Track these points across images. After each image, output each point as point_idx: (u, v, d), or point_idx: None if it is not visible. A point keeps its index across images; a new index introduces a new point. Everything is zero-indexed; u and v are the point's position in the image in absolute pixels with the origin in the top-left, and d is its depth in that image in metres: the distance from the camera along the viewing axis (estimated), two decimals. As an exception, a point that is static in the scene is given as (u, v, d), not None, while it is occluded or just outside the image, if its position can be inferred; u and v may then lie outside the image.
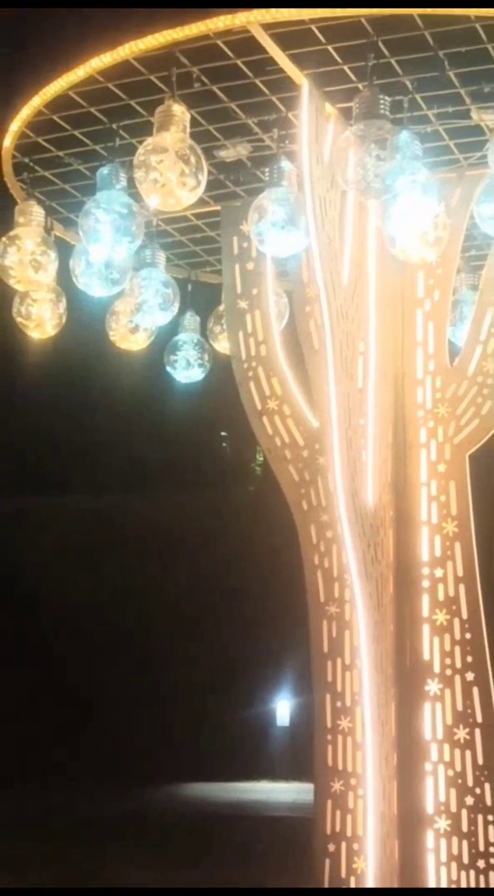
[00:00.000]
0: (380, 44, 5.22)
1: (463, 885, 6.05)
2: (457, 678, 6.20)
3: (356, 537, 5.89)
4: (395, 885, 6.07)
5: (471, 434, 6.36)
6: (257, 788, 13.12)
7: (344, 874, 6.22)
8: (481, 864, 6.04)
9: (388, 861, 6.04)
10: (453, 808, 6.12)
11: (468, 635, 6.22)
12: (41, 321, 6.57)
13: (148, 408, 14.40)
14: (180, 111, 5.33)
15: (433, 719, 6.21)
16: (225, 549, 14.15)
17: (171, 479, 15.66)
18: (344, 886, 6.19)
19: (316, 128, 5.67)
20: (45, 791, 12.14)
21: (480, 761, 6.10)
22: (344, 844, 6.23)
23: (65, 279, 6.33)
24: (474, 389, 6.35)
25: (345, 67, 5.48)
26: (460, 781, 6.12)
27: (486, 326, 6.37)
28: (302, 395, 6.52)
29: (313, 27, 5.18)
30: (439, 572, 6.32)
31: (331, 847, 6.26)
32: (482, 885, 6.02)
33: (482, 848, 6.05)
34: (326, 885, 6.25)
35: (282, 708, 14.07)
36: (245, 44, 5.26)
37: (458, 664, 6.21)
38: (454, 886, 6.06)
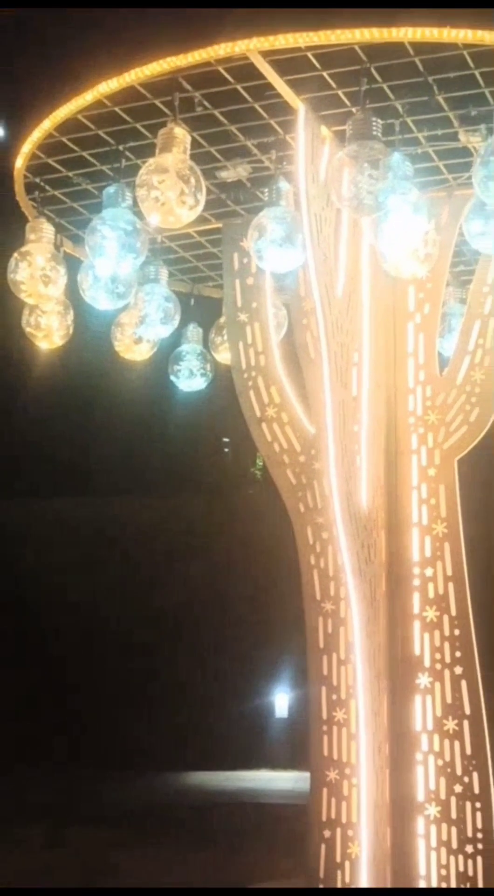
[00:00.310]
0: (373, 70, 5.23)
1: (452, 869, 6.04)
2: (446, 672, 6.19)
3: (350, 538, 5.89)
4: (388, 869, 6.06)
5: (460, 440, 6.36)
6: (257, 777, 13.09)
7: (339, 859, 6.21)
8: (469, 848, 6.04)
9: (381, 846, 6.03)
10: (442, 796, 6.11)
11: (456, 631, 6.21)
12: (49, 332, 6.57)
13: (152, 414, 14.39)
14: (181, 134, 5.34)
15: (423, 711, 6.20)
16: (226, 549, 14.13)
17: (175, 483, 15.64)
18: (339, 871, 6.18)
19: (312, 149, 5.67)
20: (63, 778, 12.13)
21: (468, 751, 6.09)
22: (339, 830, 6.22)
23: (73, 293, 6.32)
24: (462, 398, 6.35)
25: (340, 92, 5.49)
26: (449, 770, 6.11)
27: (473, 338, 6.37)
28: (300, 403, 6.53)
29: (309, 54, 5.20)
30: (429, 571, 6.31)
31: (327, 833, 6.25)
32: (470, 870, 6.01)
33: (470, 834, 6.04)
34: (322, 869, 6.24)
35: (281, 700, 14.03)
36: (244, 70, 5.28)
37: (447, 659, 6.20)
38: (443, 871, 6.05)
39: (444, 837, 6.08)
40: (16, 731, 12.74)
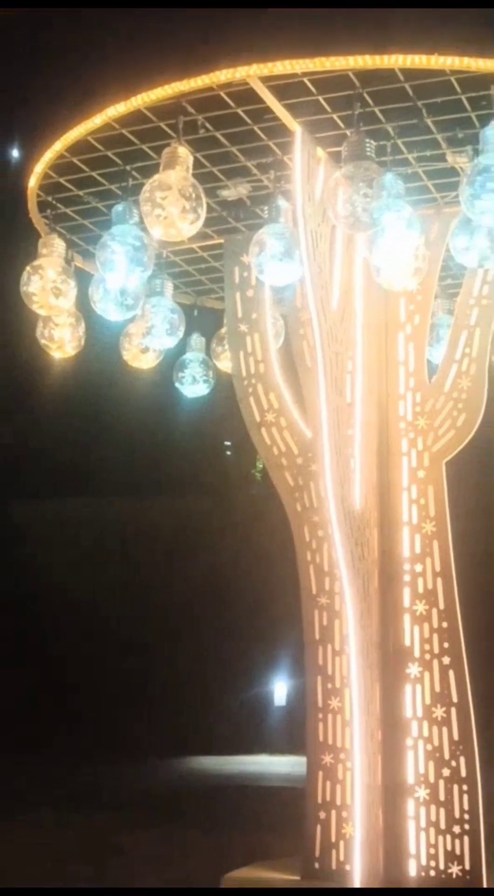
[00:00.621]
0: (365, 95, 5.24)
1: (441, 848, 6.03)
2: (435, 662, 6.18)
3: (344, 536, 5.88)
4: (380, 849, 6.05)
5: (448, 444, 6.35)
6: (256, 761, 13.06)
7: (333, 839, 6.20)
8: (456, 829, 6.02)
9: (373, 827, 6.02)
10: (431, 779, 6.09)
11: (445, 624, 6.20)
12: (62, 343, 6.56)
13: (158, 420, 14.38)
14: (184, 153, 5.34)
15: (413, 699, 6.19)
16: (227, 547, 14.12)
17: (180, 484, 15.63)
18: (333, 850, 6.18)
19: (309, 169, 5.67)
20: (70, 764, 12.12)
21: (456, 737, 6.08)
22: (333, 812, 6.21)
23: (84, 305, 6.32)
24: (450, 404, 6.35)
25: (334, 116, 5.50)
26: (438, 755, 6.10)
27: (460, 347, 6.37)
28: (297, 408, 6.52)
29: (305, 80, 5.20)
30: (419, 567, 6.31)
31: (322, 815, 6.24)
32: (457, 849, 6.00)
33: (457, 815, 6.03)
34: (318, 849, 6.23)
35: (279, 689, 14.02)
36: (244, 94, 5.28)
37: (436, 650, 6.19)
38: (432, 850, 6.04)
39: (433, 818, 6.07)
40: (25, 720, 12.74)
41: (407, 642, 6.24)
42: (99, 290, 6.07)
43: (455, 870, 5.99)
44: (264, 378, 6.61)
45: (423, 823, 6.09)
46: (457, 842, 6.01)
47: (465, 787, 6.03)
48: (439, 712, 6.12)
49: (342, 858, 6.13)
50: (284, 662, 13.53)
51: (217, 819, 9.02)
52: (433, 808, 6.07)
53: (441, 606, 6.22)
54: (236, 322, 6.73)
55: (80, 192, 6.26)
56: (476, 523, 10.64)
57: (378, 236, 5.19)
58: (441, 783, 6.07)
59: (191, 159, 5.38)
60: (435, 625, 6.21)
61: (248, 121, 5.53)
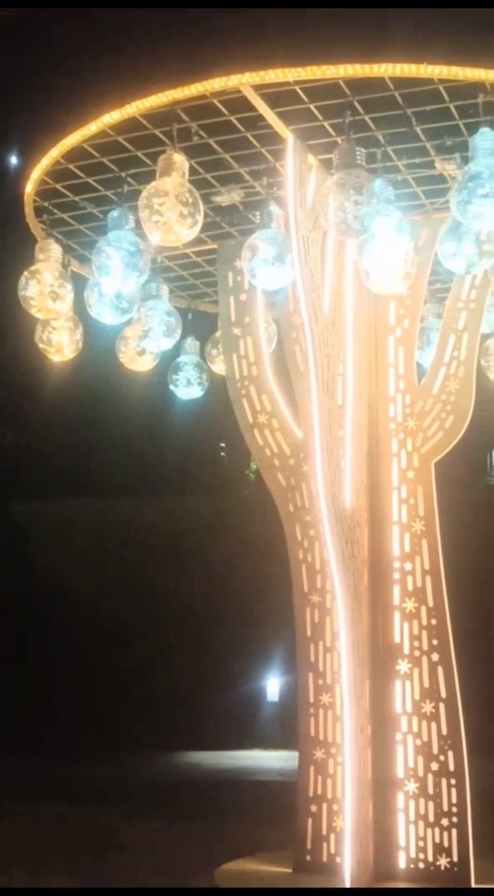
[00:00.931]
0: (356, 103, 5.23)
1: (429, 840, 6.02)
2: (424, 659, 6.17)
3: (335, 535, 5.86)
4: (370, 841, 6.03)
5: (436, 445, 6.35)
6: (250, 756, 13.04)
7: (324, 831, 6.19)
8: (445, 822, 6.02)
9: (364, 820, 6.00)
10: (420, 773, 6.08)
11: (433, 621, 6.19)
12: (60, 346, 6.54)
13: (153, 421, 14.36)
14: (180, 160, 5.33)
15: (403, 695, 6.18)
16: (222, 546, 14.10)
17: (175, 485, 15.61)
18: (325, 842, 6.16)
19: (300, 176, 5.66)
20: (68, 758, 12.10)
21: (444, 732, 6.07)
22: (325, 805, 6.20)
23: (81, 309, 6.31)
24: (438, 406, 6.34)
25: (326, 124, 5.49)
26: (426, 750, 6.09)
27: (449, 351, 6.36)
28: (289, 410, 6.51)
29: (297, 88, 5.19)
30: (408, 566, 6.30)
31: (314, 808, 6.23)
32: (445, 841, 5.99)
33: (445, 808, 6.02)
34: (309, 841, 6.21)
35: (272, 685, 14.00)
36: (237, 103, 5.27)
37: (425, 646, 6.18)
38: (421, 843, 6.03)
39: (422, 811, 6.06)
40: (22, 716, 12.72)
41: (397, 639, 6.23)
42: (94, 294, 6.06)
43: (443, 862, 5.98)
44: (257, 380, 6.60)
45: (412, 816, 6.08)
46: (446, 834, 6.00)
47: (453, 781, 6.02)
48: (428, 708, 6.11)
49: (333, 851, 6.12)
50: (277, 659, 13.52)
51: (211, 812, 8.99)
52: (422, 801, 6.06)
53: (430, 604, 6.21)
54: (229, 325, 6.72)
55: (76, 198, 6.24)
56: (464, 522, 10.64)
57: (368, 242, 5.18)
58: (430, 777, 6.06)
59: (186, 165, 5.36)
60: (424, 622, 6.20)
61: (241, 128, 5.52)
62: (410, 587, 6.27)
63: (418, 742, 6.11)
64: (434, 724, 6.09)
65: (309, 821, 6.23)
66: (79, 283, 6.35)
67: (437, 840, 6.01)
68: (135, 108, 5.28)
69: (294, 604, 6.41)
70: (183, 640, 13.84)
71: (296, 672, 6.45)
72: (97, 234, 6.07)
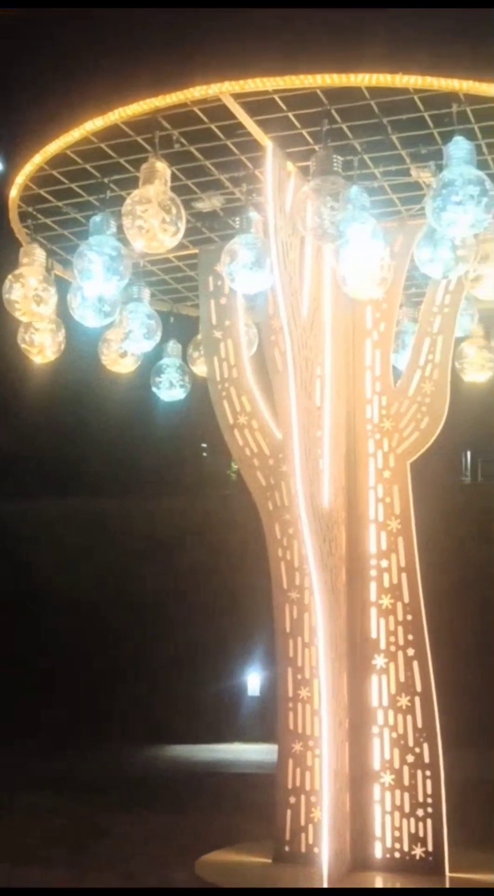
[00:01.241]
0: (333, 112, 5.24)
1: (405, 831, 6.04)
2: (400, 654, 6.19)
3: (313, 533, 5.87)
4: (347, 832, 6.04)
5: (412, 445, 6.37)
6: (230, 749, 13.02)
7: (303, 822, 6.20)
8: (420, 812, 6.04)
9: (341, 811, 6.01)
10: (396, 765, 6.10)
11: (409, 617, 6.21)
12: (42, 348, 6.52)
13: (136, 422, 14.32)
14: (162, 167, 5.32)
15: (379, 689, 6.20)
16: (203, 544, 14.07)
17: (158, 485, 15.56)
18: (303, 833, 6.16)
19: (279, 183, 5.67)
20: (52, 752, 12.04)
21: (419, 724, 6.09)
22: (303, 797, 6.21)
23: (63, 311, 6.29)
24: (414, 407, 6.37)
25: (304, 132, 5.49)
26: (402, 742, 6.11)
27: (424, 354, 6.39)
28: (268, 411, 6.52)
29: (276, 97, 5.19)
30: (384, 563, 6.32)
31: (292, 799, 6.24)
32: (420, 831, 6.00)
33: (421, 799, 6.04)
34: (288, 832, 6.21)
35: (252, 680, 13.99)
36: (218, 111, 5.27)
37: (401, 642, 6.20)
38: (397, 833, 6.05)
39: (398, 802, 6.08)
40: (3, 708, 12.67)
41: (374, 634, 6.25)
42: (77, 298, 6.04)
43: (418, 851, 6.00)
44: (237, 382, 6.60)
45: (388, 807, 6.10)
46: (421, 825, 6.02)
47: (428, 773, 6.04)
48: (404, 701, 6.13)
49: (311, 841, 6.13)
50: (257, 654, 13.52)
51: (193, 803, 8.97)
52: (398, 792, 6.08)
53: (406, 600, 6.23)
54: (211, 329, 6.71)
55: (60, 204, 6.21)
56: (439, 521, 10.68)
57: (343, 247, 5.19)
58: (406, 769, 6.08)
59: (168, 173, 5.36)
60: (400, 618, 6.22)
61: (221, 136, 5.52)
62: (386, 584, 6.28)
63: (394, 735, 6.13)
64: (409, 717, 6.11)
65: (288, 812, 6.24)
66: (62, 286, 6.33)
67: (412, 830, 6.03)
68: (118, 115, 5.27)
69: (273, 600, 6.42)
70: (165, 637, 13.81)
71: (276, 667, 6.46)
72: (80, 239, 6.04)
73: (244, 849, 6.67)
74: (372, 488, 6.40)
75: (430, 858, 5.97)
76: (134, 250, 5.59)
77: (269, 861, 6.25)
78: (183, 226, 5.32)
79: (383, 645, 6.22)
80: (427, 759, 6.05)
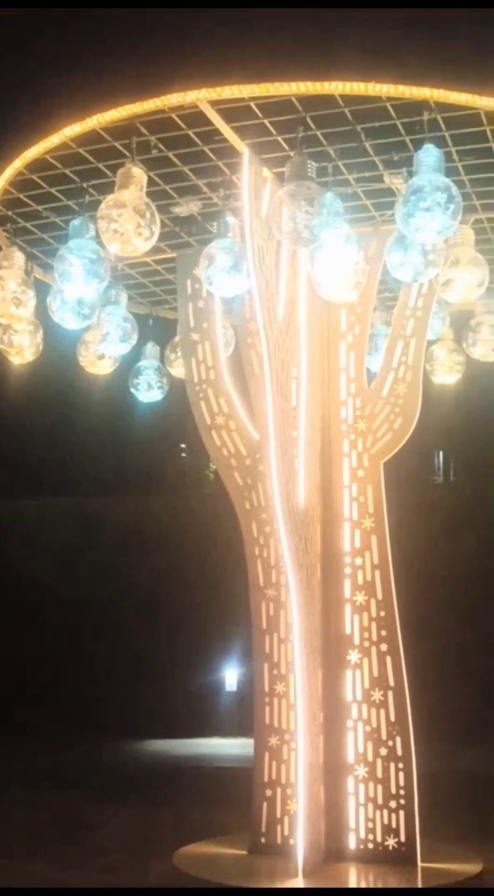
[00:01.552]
0: (308, 119, 5.23)
1: (378, 822, 6.04)
2: (374, 649, 6.20)
3: (289, 532, 5.87)
4: (322, 824, 6.04)
5: (385, 445, 6.38)
6: (209, 744, 13.00)
7: (279, 814, 6.19)
8: (393, 804, 6.05)
9: (316, 803, 6.01)
10: (370, 758, 6.11)
11: (382, 613, 6.22)
12: (21, 349, 6.48)
13: (116, 423, 14.26)
14: (138, 172, 5.30)
15: (353, 684, 6.20)
16: (183, 542, 14.04)
17: (137, 485, 15.52)
18: (279, 825, 6.15)
19: (255, 188, 5.66)
20: (35, 746, 11.97)
21: (392, 718, 6.10)
22: (279, 790, 6.20)
23: (43, 314, 6.25)
24: (387, 408, 6.38)
25: (279, 138, 5.49)
26: (376, 736, 6.12)
27: (397, 356, 6.40)
28: (245, 412, 6.51)
29: (252, 104, 5.18)
30: (358, 560, 6.32)
31: (268, 792, 6.23)
32: (393, 822, 6.01)
33: (393, 791, 6.05)
34: (264, 824, 6.20)
35: (230, 676, 13.98)
36: (195, 117, 5.25)
37: (374, 637, 6.21)
38: (370, 824, 6.05)
39: (371, 794, 6.09)
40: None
41: (348, 630, 6.25)
42: (57, 301, 6.01)
43: (391, 842, 6.01)
44: (215, 384, 6.59)
45: (362, 799, 6.10)
46: (394, 816, 6.03)
47: (401, 766, 6.05)
48: (377, 695, 6.13)
49: (287, 833, 6.12)
50: (235, 650, 13.50)
51: (172, 796, 8.94)
52: (371, 784, 6.09)
53: (380, 597, 6.24)
54: (188, 331, 6.70)
55: (39, 208, 6.17)
56: (411, 519, 10.71)
57: (318, 251, 5.18)
58: (379, 762, 6.09)
59: (144, 178, 5.33)
60: (374, 614, 6.23)
61: (199, 142, 5.50)
62: (360, 581, 6.29)
63: (367, 728, 6.13)
64: (382, 711, 6.12)
65: (265, 804, 6.23)
66: (41, 288, 6.29)
67: (386, 821, 6.04)
68: (96, 121, 5.24)
69: (250, 597, 6.40)
70: (146, 633, 13.78)
71: (253, 663, 6.45)
72: (60, 243, 6.01)
73: (221, 841, 6.65)
74: (346, 487, 6.40)
75: (403, 849, 5.98)
76: (110, 254, 5.57)
77: (246, 852, 6.24)
78: (157, 230, 5.30)
79: (357, 641, 6.22)
80: (399, 752, 6.06)
